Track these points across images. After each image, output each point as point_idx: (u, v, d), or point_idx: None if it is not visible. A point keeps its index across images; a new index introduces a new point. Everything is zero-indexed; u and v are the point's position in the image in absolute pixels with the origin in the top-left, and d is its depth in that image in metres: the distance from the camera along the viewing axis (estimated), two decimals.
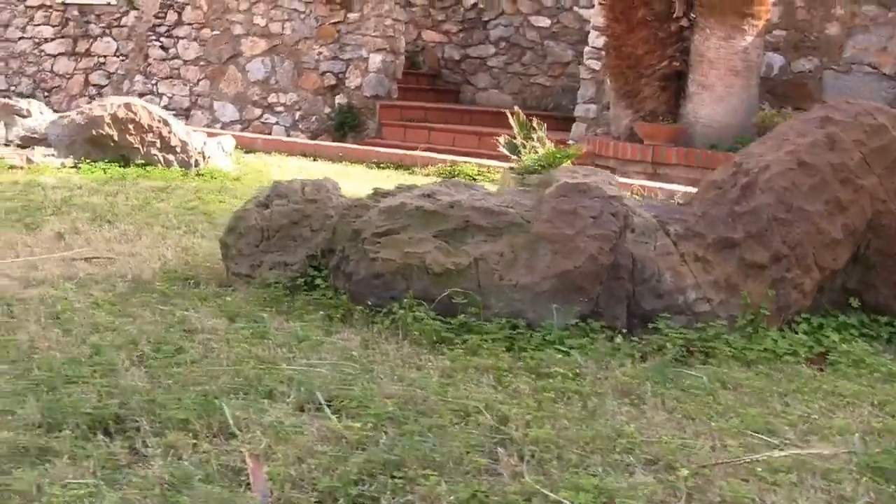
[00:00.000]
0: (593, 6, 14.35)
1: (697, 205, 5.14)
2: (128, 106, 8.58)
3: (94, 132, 8.55)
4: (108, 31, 15.12)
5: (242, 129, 13.42)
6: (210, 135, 9.40)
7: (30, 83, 15.41)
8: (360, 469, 3.06)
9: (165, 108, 14.44)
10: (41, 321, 4.34)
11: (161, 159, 8.57)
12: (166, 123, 8.56)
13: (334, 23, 13.70)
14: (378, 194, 5.11)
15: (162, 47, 14.76)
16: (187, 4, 14.56)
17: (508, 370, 4.06)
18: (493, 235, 4.75)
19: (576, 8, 14.60)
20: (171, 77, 14.69)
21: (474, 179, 9.33)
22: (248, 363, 3.92)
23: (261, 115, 14.01)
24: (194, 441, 3.21)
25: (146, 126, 8.55)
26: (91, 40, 15.23)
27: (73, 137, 8.50)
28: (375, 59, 13.49)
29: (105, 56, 15.15)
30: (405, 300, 4.60)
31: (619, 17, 11.68)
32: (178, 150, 8.60)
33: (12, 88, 15.48)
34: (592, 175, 5.11)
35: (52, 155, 8.47)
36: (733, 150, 11.10)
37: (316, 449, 3.21)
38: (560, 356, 4.24)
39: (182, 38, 14.61)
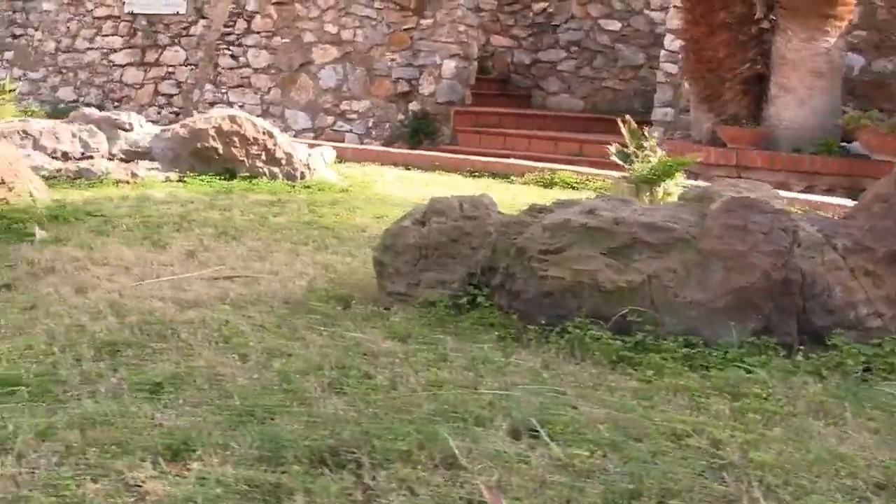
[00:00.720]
0: (664, 9, 14.24)
1: (863, 218, 5.01)
2: (232, 118, 8.51)
3: (198, 145, 8.49)
4: (176, 40, 15.09)
5: (315, 137, 13.34)
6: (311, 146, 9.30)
7: (98, 93, 15.40)
8: (601, 499, 2.97)
9: None
10: (213, 346, 4.26)
11: (266, 172, 8.49)
12: (271, 136, 8.48)
13: (406, 29, 13.62)
14: (535, 210, 5.02)
15: (232, 56, 14.72)
16: (256, 13, 14.51)
17: (700, 390, 3.96)
18: (660, 252, 4.65)
19: (646, 11, 14.47)
20: (241, 86, 14.64)
21: (574, 188, 9.22)
22: (442, 388, 3.82)
23: (333, 123, 13.95)
24: (422, 474, 3.11)
25: (251, 138, 8.48)
26: (160, 50, 15.20)
27: (177, 151, 8.44)
28: (449, 65, 13.40)
29: (174, 66, 15.12)
30: (577, 319, 4.51)
31: (699, 20, 11.55)
32: (283, 162, 8.52)
33: (81, 99, 15.48)
34: (756, 189, 4.99)
35: (157, 169, 8.41)
36: (818, 153, 10.99)
37: (549, 479, 3.12)
38: (747, 375, 4.13)
39: (252, 46, 14.56)
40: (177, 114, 14.93)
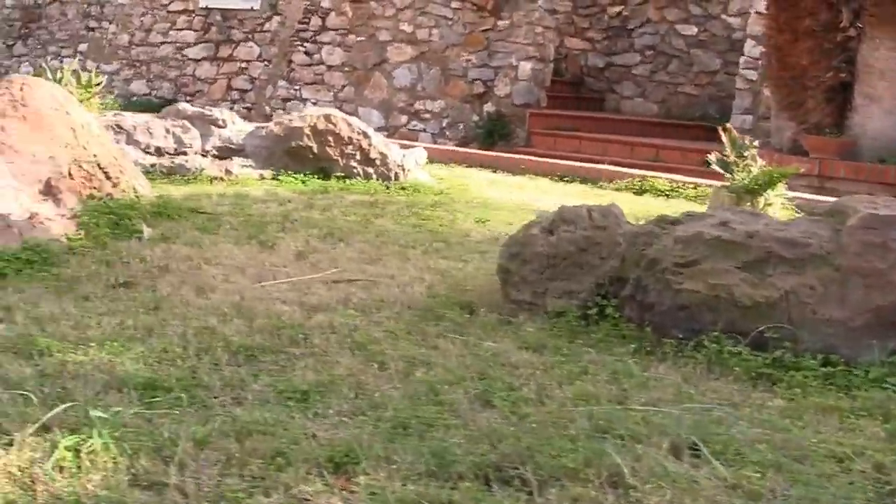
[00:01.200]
0: (742, 14, 14.10)
1: None
2: (327, 117, 8.47)
3: (293, 144, 8.46)
4: (250, 36, 15.10)
5: (388, 136, 13.26)
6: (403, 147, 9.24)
7: (171, 87, 15.44)
8: None
9: None
10: (348, 352, 4.21)
11: (360, 172, 8.44)
12: (366, 136, 8.44)
13: (483, 30, 13.54)
14: (663, 221, 4.94)
15: (306, 52, 14.71)
16: (332, 10, 14.50)
17: (849, 411, 3.89)
18: (795, 267, 4.57)
19: (723, 16, 14.33)
20: (315, 83, 14.63)
21: (667, 196, 9.12)
22: (592, 403, 3.76)
23: (407, 122, 13.91)
24: (592, 493, 3.05)
25: (346, 138, 8.44)
26: (233, 45, 15.22)
27: (271, 149, 8.41)
28: (525, 67, 13.32)
29: (248, 61, 15.13)
30: (713, 333, 4.44)
31: (783, 27, 11.39)
32: (377, 162, 8.48)
33: (153, 93, 15.53)
34: (892, 205, 4.88)
35: (251, 166, 8.38)
36: None
37: (720, 500, 3.05)
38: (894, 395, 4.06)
39: (326, 43, 14.55)
40: (249, 109, 14.95)
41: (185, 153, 8.24)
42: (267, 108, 14.83)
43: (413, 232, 6.77)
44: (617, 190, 9.43)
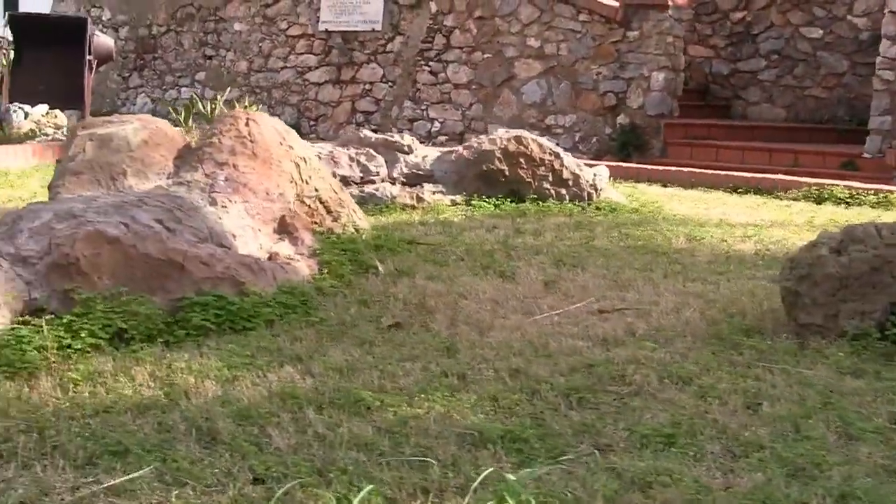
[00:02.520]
0: (868, 15, 13.88)
1: None
2: (518, 139, 8.40)
3: (483, 167, 8.39)
4: (373, 57, 15.08)
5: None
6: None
7: (293, 112, 15.45)
8: None
9: (438, 133, 14.38)
10: (674, 388, 4.12)
11: (553, 193, 8.36)
12: (557, 156, 8.35)
13: (613, 42, 13.42)
14: None
15: (431, 72, 14.66)
16: (455, 28, 14.44)
17: None
18: None
19: (849, 17, 14.10)
20: (441, 102, 14.58)
21: (847, 203, 8.95)
22: None
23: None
24: None
25: (537, 159, 8.36)
26: (356, 67, 15.20)
27: (461, 173, 8.34)
28: (658, 78, 13.18)
29: (371, 83, 15.11)
30: None
31: None
32: (569, 183, 8.39)
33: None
34: None
35: (441, 192, 8.31)
36: None
37: None
38: None
39: (452, 61, 14.49)
40: (375, 131, 14.88)
41: (372, 181, 8.19)
42: (393, 129, 14.76)
43: (637, 254, 6.67)
44: (795, 199, 9.29)
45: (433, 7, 14.53)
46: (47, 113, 13.23)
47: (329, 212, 6.27)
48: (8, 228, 4.77)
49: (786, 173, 11.13)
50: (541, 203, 8.27)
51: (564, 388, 4.08)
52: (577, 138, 13.60)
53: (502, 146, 8.33)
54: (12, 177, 9.97)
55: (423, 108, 14.65)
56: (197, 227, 5.12)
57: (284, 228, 5.69)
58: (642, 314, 5.22)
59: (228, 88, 15.42)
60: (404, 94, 14.80)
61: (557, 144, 12.66)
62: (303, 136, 11.52)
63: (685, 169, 10.86)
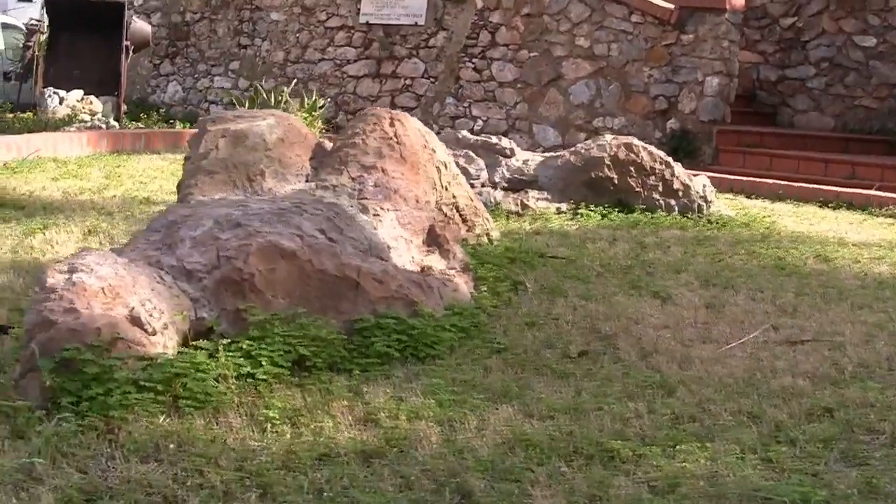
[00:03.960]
0: None
1: None
2: (628, 147, 7.97)
3: (592, 175, 7.96)
4: (415, 52, 14.60)
5: (541, 154, 12.78)
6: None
7: (331, 105, 14.89)
8: None
9: (480, 131, 13.90)
10: None
11: (662, 204, 7.94)
12: (668, 165, 7.93)
13: (666, 45, 13.01)
14: None
15: (475, 69, 14.20)
16: (502, 25, 13.99)
17: None
18: None
19: None
20: (485, 100, 14.12)
21: None
22: None
23: (585, 140, 13.36)
24: None
25: (648, 168, 7.94)
26: (397, 62, 14.72)
27: (567, 180, 7.90)
28: (712, 83, 12.79)
29: (412, 78, 14.63)
30: None
31: None
32: (679, 193, 7.97)
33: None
34: None
35: (546, 199, 7.86)
36: None
37: None
38: None
39: (497, 59, 14.03)
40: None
41: (472, 186, 7.71)
42: (435, 126, 14.25)
43: (780, 275, 6.33)
44: (892, 216, 8.92)
45: (479, 3, 14.05)
46: (82, 99, 12.73)
47: (465, 220, 5.83)
48: (164, 236, 4.29)
49: (843, 185, 10.81)
50: (650, 214, 7.86)
51: (819, 438, 3.66)
52: None
53: (612, 153, 7.90)
54: (72, 166, 9.46)
55: (466, 105, 14.19)
56: (357, 239, 4.67)
57: (434, 240, 5.22)
58: (835, 346, 4.82)
59: (264, 78, 14.92)
60: (446, 91, 14.34)
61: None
62: (338, 130, 11.09)
63: (769, 181, 10.47)
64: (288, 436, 3.49)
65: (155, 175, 9.31)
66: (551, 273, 5.97)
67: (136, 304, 3.78)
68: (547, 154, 8.35)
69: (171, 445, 3.34)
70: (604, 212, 7.86)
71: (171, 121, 14.06)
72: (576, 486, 3.20)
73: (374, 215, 5.03)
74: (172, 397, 3.65)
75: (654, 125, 13.13)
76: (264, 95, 11.40)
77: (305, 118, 10.96)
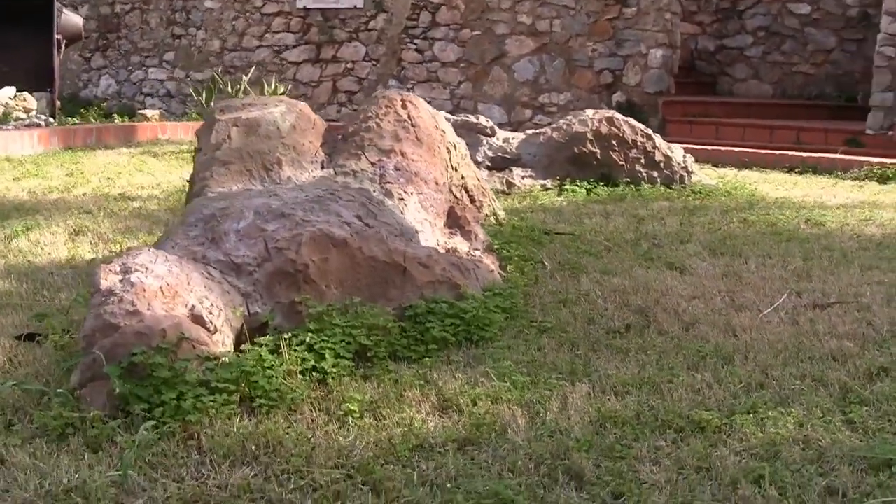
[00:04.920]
0: None
1: None
2: (610, 120, 7.94)
3: (575, 150, 7.91)
4: (355, 35, 14.45)
5: (512, 132, 12.79)
6: None
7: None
8: None
9: None
10: None
11: (645, 176, 7.93)
12: (650, 137, 7.92)
13: (609, 18, 13.06)
14: None
15: (417, 50, 14.11)
16: (442, 5, 13.91)
17: None
18: None
19: None
20: (428, 80, 14.05)
21: None
22: None
23: (532, 117, 13.39)
24: None
25: (630, 141, 7.92)
26: (337, 46, 14.56)
27: (552, 157, 7.84)
28: (656, 55, 12.88)
29: (354, 62, 14.49)
30: None
31: None
32: (661, 165, 7.97)
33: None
34: None
35: (531, 176, 7.81)
36: None
37: None
38: None
39: (439, 39, 13.96)
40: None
41: None
42: None
43: (780, 241, 6.35)
44: (858, 179, 9.03)
45: None
46: (15, 96, 12.31)
47: (473, 201, 5.74)
48: (204, 230, 4.16)
49: (789, 150, 10.97)
50: (634, 187, 7.86)
51: (889, 396, 3.69)
52: None
53: (594, 127, 7.87)
54: (29, 165, 9.18)
55: (410, 87, 14.10)
56: (390, 224, 4.58)
57: (455, 221, 5.15)
58: (863, 308, 4.86)
59: (201, 68, 14.64)
60: (389, 73, 14.23)
61: (551, 123, 12.31)
62: None
63: (736, 149, 10.55)
64: (373, 429, 3.40)
65: (119, 171, 9.08)
66: (562, 249, 5.94)
67: (195, 303, 3.66)
68: (530, 132, 8.28)
69: (253, 447, 3.22)
70: (588, 186, 7.84)
71: (111, 115, 13.73)
72: (681, 459, 3.16)
73: (399, 199, 4.93)
74: (245, 397, 3.53)
75: (599, 99, 13.17)
76: (221, 85, 11.16)
77: None
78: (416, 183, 5.10)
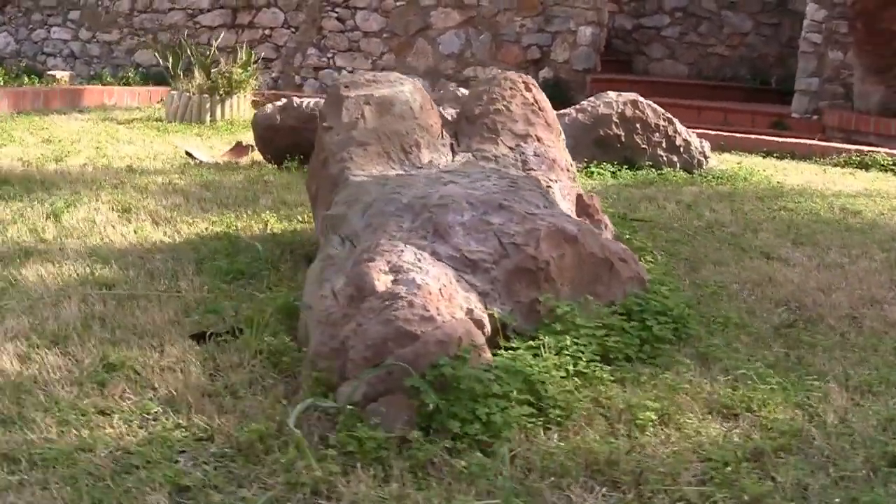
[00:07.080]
0: None
1: None
2: (634, 104, 7.90)
3: (601, 132, 7.85)
4: (273, 1, 14.02)
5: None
6: None
7: (185, 57, 14.13)
8: None
9: None
10: None
11: (666, 160, 7.95)
12: (671, 122, 7.93)
13: None
14: None
15: (338, 18, 13.79)
16: None
17: None
18: None
19: None
20: (350, 49, 13.75)
21: (892, 170, 9.04)
22: None
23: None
24: None
25: (652, 125, 7.91)
26: (254, 11, 14.09)
27: (578, 139, 7.74)
28: (585, 32, 12.96)
29: (272, 28, 14.05)
30: None
31: None
32: (681, 149, 7.99)
33: (165, 64, 14.21)
34: None
35: None
36: None
37: None
38: None
39: (361, 8, 13.68)
40: (276, 80, 13.94)
41: None
42: (297, 77, 13.86)
43: (838, 228, 6.43)
44: (836, 165, 9.29)
45: None
46: None
47: None
48: (423, 221, 3.93)
49: (718, 131, 11.24)
50: (656, 171, 7.88)
51: None
52: None
53: (619, 110, 7.84)
54: None
55: (330, 56, 13.79)
56: (566, 215, 4.45)
57: (584, 210, 5.01)
58: None
59: (108, 30, 13.94)
60: (308, 41, 13.88)
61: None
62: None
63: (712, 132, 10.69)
64: (681, 439, 3.27)
65: (99, 138, 8.60)
66: (653, 238, 5.90)
67: (471, 306, 3.48)
68: (558, 112, 8.17)
69: (569, 463, 3.06)
70: (612, 170, 7.82)
71: (19, 76, 12.95)
72: None
73: (547, 187, 4.80)
74: (536, 407, 3.36)
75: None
76: (189, 51, 10.63)
77: (240, 75, 10.33)
78: (556, 170, 4.97)
